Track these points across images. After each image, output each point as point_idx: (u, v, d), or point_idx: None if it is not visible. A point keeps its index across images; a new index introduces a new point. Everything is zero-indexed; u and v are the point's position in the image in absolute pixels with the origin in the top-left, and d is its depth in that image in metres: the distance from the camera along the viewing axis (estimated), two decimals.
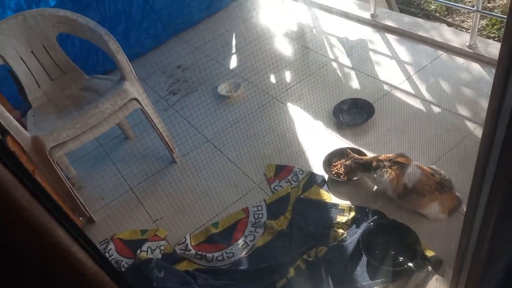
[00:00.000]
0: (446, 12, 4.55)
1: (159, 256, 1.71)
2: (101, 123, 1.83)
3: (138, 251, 1.72)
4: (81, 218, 1.94)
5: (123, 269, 1.69)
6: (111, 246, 1.78)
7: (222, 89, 2.55)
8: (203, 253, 1.68)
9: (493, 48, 2.27)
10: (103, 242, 1.83)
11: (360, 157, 1.75)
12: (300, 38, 2.89)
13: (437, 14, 4.45)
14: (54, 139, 1.73)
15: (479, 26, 3.18)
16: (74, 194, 1.85)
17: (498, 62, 0.57)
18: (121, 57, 1.84)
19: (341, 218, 1.69)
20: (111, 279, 0.60)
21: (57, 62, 2.08)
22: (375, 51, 2.57)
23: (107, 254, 1.75)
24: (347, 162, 1.77)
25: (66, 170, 2.21)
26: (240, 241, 1.72)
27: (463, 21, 4.36)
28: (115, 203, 2.04)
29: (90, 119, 1.79)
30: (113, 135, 2.44)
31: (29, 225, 0.48)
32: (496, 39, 3.29)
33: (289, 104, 2.37)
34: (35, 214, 0.48)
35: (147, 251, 1.72)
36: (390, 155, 1.68)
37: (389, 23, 2.69)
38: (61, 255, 0.52)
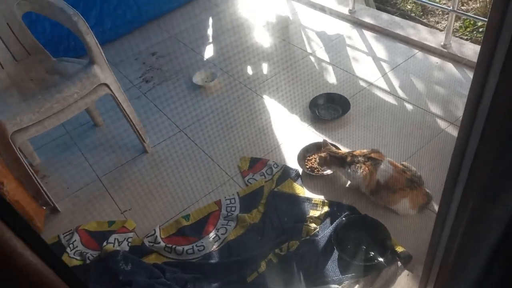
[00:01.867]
0: (421, 13, 4.64)
1: (127, 248, 1.65)
2: (67, 108, 1.74)
3: (105, 243, 1.66)
4: (44, 208, 1.85)
5: (87, 261, 1.62)
6: (76, 237, 1.70)
7: (197, 78, 2.49)
8: (173, 246, 1.63)
9: (467, 49, 2.32)
10: (67, 233, 1.75)
11: (335, 150, 1.75)
12: (278, 30, 2.86)
13: (413, 14, 4.52)
14: (16, 123, 1.63)
15: (453, 28, 3.25)
16: (37, 182, 1.76)
17: (478, 63, 0.56)
18: (91, 39, 1.75)
19: (314, 213, 1.68)
20: (62, 281, 0.56)
21: (22, 42, 1.96)
22: (352, 47, 2.57)
23: (71, 246, 1.68)
24: (322, 154, 1.76)
25: (29, 157, 2.10)
26: (212, 234, 1.68)
27: (437, 22, 4.45)
28: (81, 193, 1.96)
29: (56, 103, 1.70)
30: (81, 122, 2.34)
31: None
32: (468, 40, 3.37)
33: (265, 97, 2.34)
34: None
35: (113, 243, 1.66)
36: (365, 150, 1.68)
37: (367, 19, 2.70)
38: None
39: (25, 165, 1.70)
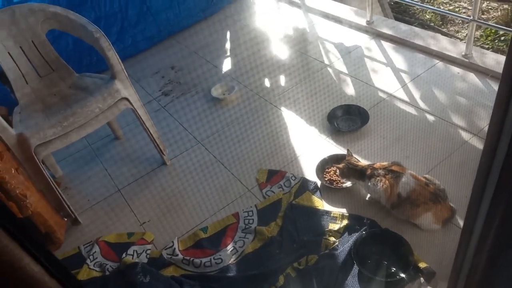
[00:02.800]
0: (440, 22, 4.58)
1: (145, 260, 1.66)
2: (89, 122, 1.78)
3: (124, 255, 1.67)
4: (65, 219, 1.88)
5: (107, 273, 1.63)
6: (96, 248, 1.72)
7: (216, 91, 2.51)
8: (191, 258, 1.63)
9: (489, 58, 2.27)
10: (87, 245, 1.77)
11: (355, 162, 1.72)
12: (295, 42, 2.87)
13: (432, 24, 4.47)
14: (40, 137, 1.67)
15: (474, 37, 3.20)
16: (59, 194, 1.79)
17: (503, 73, 0.54)
18: (112, 55, 1.79)
19: (333, 226, 1.65)
20: None
21: (46, 58, 2.03)
22: (371, 58, 2.55)
23: (91, 257, 1.69)
24: (341, 165, 1.74)
25: (52, 170, 2.15)
26: (229, 247, 1.68)
27: (457, 32, 4.39)
28: (102, 205, 1.99)
29: (78, 117, 1.74)
30: (102, 135, 2.39)
31: None
32: (490, 49, 3.30)
33: (283, 109, 2.34)
34: None
35: (132, 255, 1.67)
36: (385, 163, 1.65)
37: (385, 30, 2.68)
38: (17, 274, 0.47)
39: (48, 178, 1.74)
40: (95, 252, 1.72)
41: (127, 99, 1.87)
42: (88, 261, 1.68)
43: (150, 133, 1.99)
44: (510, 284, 0.85)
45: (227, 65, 2.82)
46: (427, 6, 3.96)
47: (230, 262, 1.62)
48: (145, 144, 2.20)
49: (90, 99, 1.78)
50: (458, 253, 0.89)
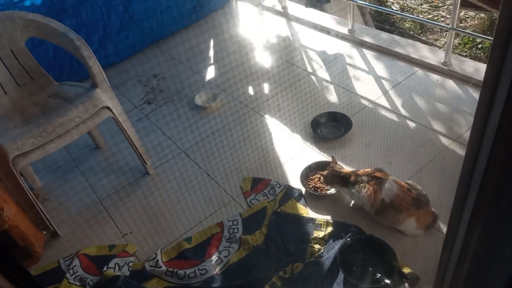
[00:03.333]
0: (420, 31, 4.69)
1: (127, 273, 1.62)
2: (69, 131, 1.74)
3: (105, 268, 1.62)
4: (44, 232, 1.83)
5: (88, 287, 1.58)
6: (76, 262, 1.68)
7: (199, 99, 2.50)
8: (175, 270, 1.60)
9: (467, 66, 2.32)
10: (67, 258, 1.72)
11: (339, 169, 1.73)
12: (278, 50, 2.89)
13: (411, 33, 4.57)
14: (18, 147, 1.63)
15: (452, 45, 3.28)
16: (38, 206, 1.74)
17: (484, 80, 0.55)
18: (93, 63, 1.76)
19: (318, 233, 1.65)
20: None
21: (25, 67, 1.98)
22: (353, 66, 2.59)
23: (71, 271, 1.64)
24: (324, 173, 1.74)
25: (30, 180, 2.09)
26: (214, 257, 1.65)
27: (436, 40, 4.50)
28: (82, 216, 1.94)
29: (58, 127, 1.70)
30: (83, 145, 2.34)
31: None
32: (468, 57, 3.39)
33: (267, 116, 2.34)
34: None
35: (114, 268, 1.63)
36: (368, 169, 1.66)
37: (366, 39, 2.72)
38: None
39: (26, 190, 1.69)
40: (75, 265, 1.67)
41: (108, 108, 1.83)
42: (68, 275, 1.63)
43: (132, 142, 1.96)
44: None
45: (210, 73, 2.82)
46: (407, 15, 4.05)
47: (215, 272, 1.60)
48: (127, 153, 2.16)
49: (70, 108, 1.75)
50: (442, 258, 0.90)
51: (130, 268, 1.64)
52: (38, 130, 1.67)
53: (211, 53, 3.04)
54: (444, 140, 1.96)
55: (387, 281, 1.41)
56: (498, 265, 0.79)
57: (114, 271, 1.61)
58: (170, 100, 2.60)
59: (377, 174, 1.62)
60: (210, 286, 1.54)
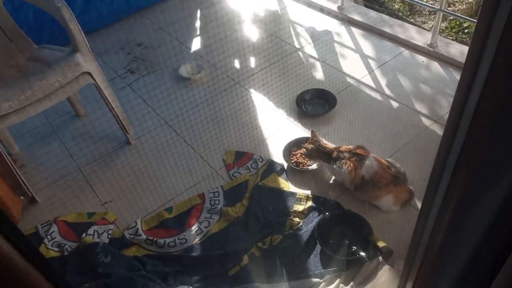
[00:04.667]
0: (408, 13, 4.68)
1: (106, 240, 1.62)
2: (48, 96, 1.69)
3: (84, 235, 1.62)
4: (22, 198, 1.80)
5: (66, 253, 1.58)
6: (54, 228, 1.66)
7: (184, 70, 2.45)
8: (154, 239, 1.61)
9: (453, 48, 2.34)
10: (45, 224, 1.70)
11: (324, 145, 1.73)
12: (266, 24, 2.84)
13: (400, 14, 4.56)
14: None
15: (439, 28, 3.29)
16: (15, 171, 1.71)
17: (466, 63, 0.56)
18: (74, 27, 1.70)
19: (298, 207, 1.68)
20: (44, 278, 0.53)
21: (3, 28, 1.89)
22: (340, 44, 2.57)
23: (49, 237, 1.63)
24: (309, 146, 1.73)
25: (8, 145, 2.04)
26: (194, 227, 1.67)
27: (423, 23, 4.50)
28: (61, 184, 1.91)
29: (36, 91, 1.65)
30: (62, 111, 2.28)
31: None
32: (454, 41, 3.41)
33: (252, 91, 2.32)
34: None
35: (93, 235, 1.62)
36: (350, 146, 1.68)
37: (355, 17, 2.70)
38: None
39: (3, 154, 1.65)
40: (53, 231, 1.66)
41: (89, 73, 1.79)
42: (46, 240, 1.62)
43: (114, 110, 1.92)
44: (462, 264, 0.89)
45: (196, 44, 2.76)
46: None
47: (194, 242, 1.61)
48: (108, 122, 2.12)
49: (50, 72, 1.69)
50: (415, 233, 0.93)
51: (109, 236, 1.64)
52: (17, 93, 1.62)
53: (198, 24, 2.97)
54: (426, 121, 1.99)
55: (362, 253, 1.45)
56: (468, 239, 0.82)
57: (93, 238, 1.61)
58: (154, 70, 2.55)
59: (358, 151, 1.64)
60: (190, 255, 1.56)
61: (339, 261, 1.45)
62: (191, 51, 2.69)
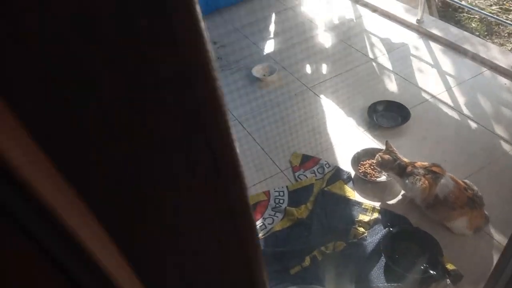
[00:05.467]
0: (485, 33, 4.46)
1: None
2: None
3: None
4: None
5: None
6: None
7: (257, 71, 2.52)
8: None
9: None
10: None
11: (400, 157, 1.69)
12: (341, 32, 2.84)
13: (477, 33, 4.36)
14: None
15: None
16: None
17: None
18: None
19: (363, 217, 1.66)
20: None
21: None
22: (417, 57, 2.52)
23: None
24: (386, 156, 1.69)
25: None
26: (259, 222, 1.71)
27: (502, 45, 4.27)
28: None
29: None
30: None
31: None
32: None
33: (322, 96, 2.33)
34: None
35: None
36: (425, 163, 1.64)
37: (434, 31, 2.63)
38: None
39: None
40: None
41: None
42: None
43: None
44: None
45: (269, 46, 2.82)
46: (479, 10, 3.84)
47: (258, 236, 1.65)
48: None
49: None
50: (496, 267, 0.89)
51: None
52: None
53: (272, 27, 3.03)
54: (505, 146, 1.90)
55: (432, 272, 1.41)
56: None
57: None
58: (228, 68, 2.64)
59: (434, 168, 1.60)
60: None
61: (405, 277, 1.42)
62: (264, 53, 2.75)
